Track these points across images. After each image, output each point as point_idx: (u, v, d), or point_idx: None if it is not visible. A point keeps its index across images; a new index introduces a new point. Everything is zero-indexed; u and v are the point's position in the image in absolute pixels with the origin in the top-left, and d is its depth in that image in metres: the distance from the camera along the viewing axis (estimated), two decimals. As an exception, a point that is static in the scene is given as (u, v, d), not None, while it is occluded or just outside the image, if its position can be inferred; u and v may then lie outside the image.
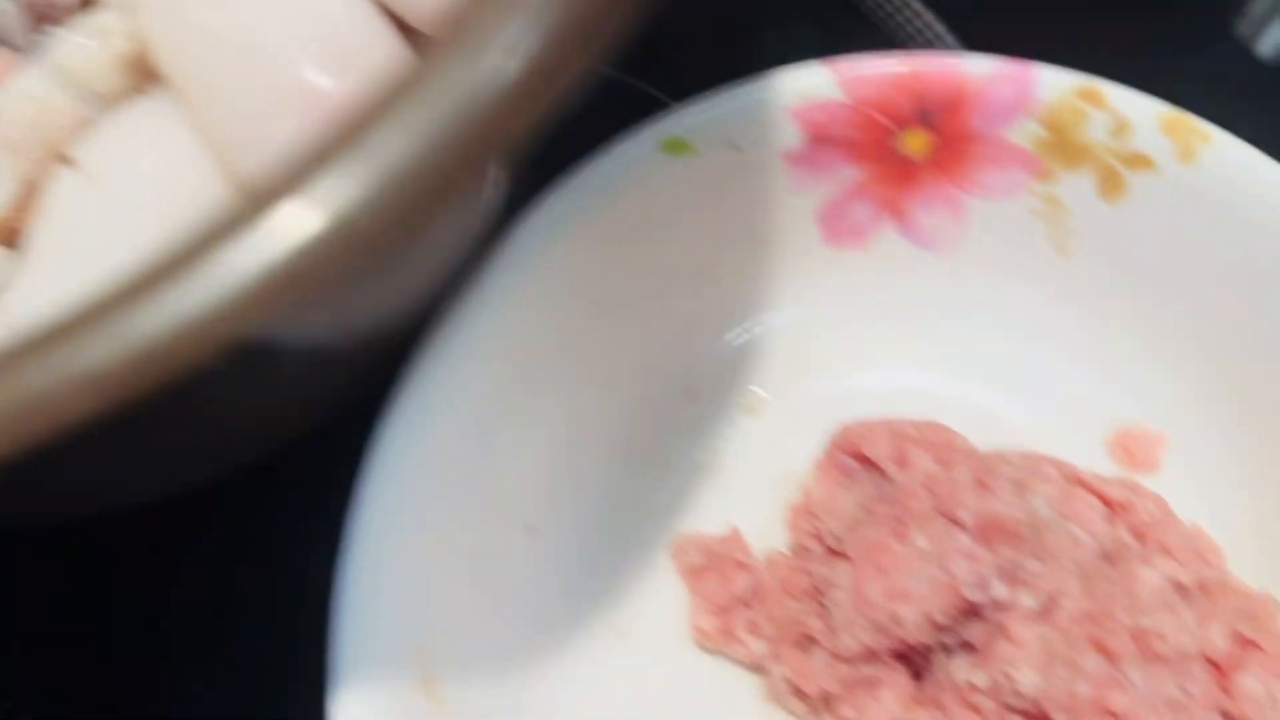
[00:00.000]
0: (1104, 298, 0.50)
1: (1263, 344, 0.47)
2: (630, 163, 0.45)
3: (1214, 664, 0.42)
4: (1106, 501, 0.44)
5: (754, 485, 0.50)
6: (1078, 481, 0.44)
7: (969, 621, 0.42)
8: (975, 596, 0.41)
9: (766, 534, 0.48)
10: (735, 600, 0.46)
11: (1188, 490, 0.49)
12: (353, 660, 0.38)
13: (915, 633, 0.41)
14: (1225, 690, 0.42)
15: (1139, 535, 0.44)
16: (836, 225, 0.49)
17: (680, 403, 0.50)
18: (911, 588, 0.41)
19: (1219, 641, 0.42)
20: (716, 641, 0.46)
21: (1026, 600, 0.40)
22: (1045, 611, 0.41)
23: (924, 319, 0.51)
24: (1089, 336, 0.50)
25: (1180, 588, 0.43)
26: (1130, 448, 0.50)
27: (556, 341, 0.45)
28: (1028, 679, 0.39)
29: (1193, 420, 0.50)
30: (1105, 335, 0.50)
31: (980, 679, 0.40)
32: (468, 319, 0.42)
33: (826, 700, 0.45)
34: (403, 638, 0.39)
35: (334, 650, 0.38)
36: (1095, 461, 0.48)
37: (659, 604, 0.48)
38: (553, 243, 0.44)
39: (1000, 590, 0.41)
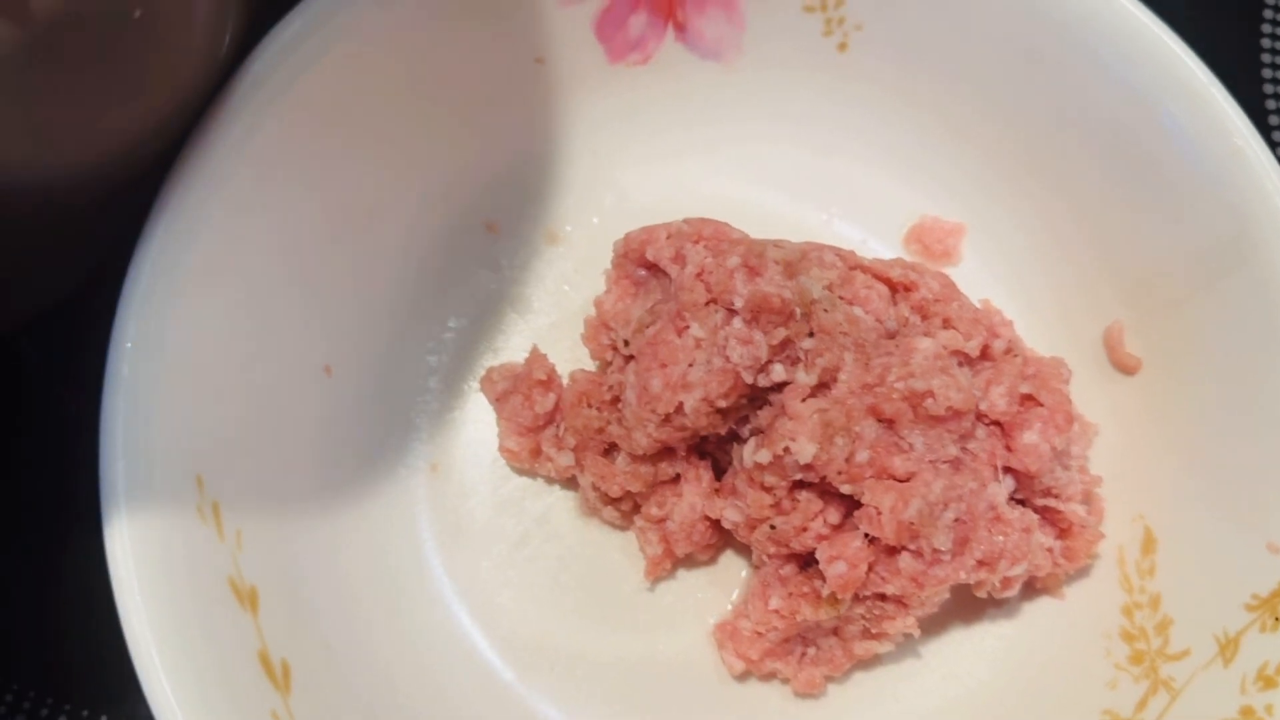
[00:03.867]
0: (891, 92, 0.50)
1: (1059, 112, 0.47)
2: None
3: (998, 424, 0.43)
4: (889, 283, 0.44)
5: (560, 311, 0.50)
6: (858, 266, 0.44)
7: (758, 407, 0.43)
8: (754, 378, 0.41)
9: (574, 357, 0.49)
10: (540, 419, 0.46)
11: (985, 273, 0.50)
12: (123, 491, 0.37)
13: (698, 420, 0.41)
14: (1010, 448, 0.42)
15: (922, 312, 0.44)
16: (616, 39, 0.49)
17: (480, 236, 0.50)
18: (690, 376, 0.41)
19: (1001, 403, 0.42)
20: (524, 460, 0.47)
21: (803, 377, 0.41)
22: (822, 386, 0.41)
23: (716, 130, 0.50)
24: (882, 134, 0.50)
25: (962, 355, 0.43)
26: (925, 240, 0.50)
27: (326, 180, 0.44)
28: (805, 450, 0.40)
29: (993, 208, 0.50)
30: (900, 131, 0.50)
31: (764, 457, 0.41)
32: (212, 163, 0.40)
33: (633, 502, 0.46)
34: (177, 468, 0.39)
35: (103, 483, 0.37)
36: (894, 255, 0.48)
37: (473, 436, 0.48)
38: (309, 70, 0.42)
39: (780, 372, 0.41)
